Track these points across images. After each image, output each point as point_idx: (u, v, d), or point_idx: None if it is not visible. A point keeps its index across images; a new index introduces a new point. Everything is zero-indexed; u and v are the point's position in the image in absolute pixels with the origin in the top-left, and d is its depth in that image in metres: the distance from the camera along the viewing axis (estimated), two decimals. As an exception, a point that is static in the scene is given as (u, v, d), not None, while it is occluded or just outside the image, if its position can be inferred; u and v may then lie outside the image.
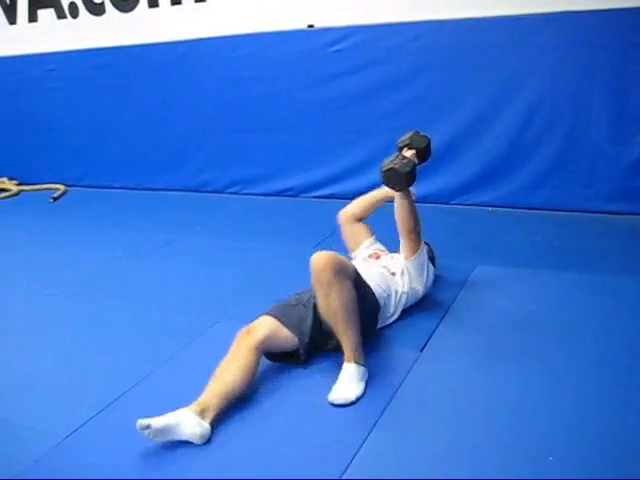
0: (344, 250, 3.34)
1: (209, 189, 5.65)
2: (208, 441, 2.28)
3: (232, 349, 2.57)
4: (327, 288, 2.52)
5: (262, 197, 5.32)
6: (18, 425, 2.54)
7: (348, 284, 2.56)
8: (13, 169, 6.64)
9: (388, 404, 2.43)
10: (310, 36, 4.80)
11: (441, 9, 4.42)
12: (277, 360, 2.73)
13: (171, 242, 4.49)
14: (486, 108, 4.49)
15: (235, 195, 5.50)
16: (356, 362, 2.54)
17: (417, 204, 4.67)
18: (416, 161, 3.00)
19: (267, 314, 2.73)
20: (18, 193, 6.37)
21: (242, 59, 5.15)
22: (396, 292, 3.01)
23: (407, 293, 3.05)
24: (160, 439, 2.24)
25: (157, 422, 2.21)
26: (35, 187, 6.39)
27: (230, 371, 2.47)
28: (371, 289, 2.83)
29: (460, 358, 2.72)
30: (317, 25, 4.79)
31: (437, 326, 2.97)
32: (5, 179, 6.57)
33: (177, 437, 2.25)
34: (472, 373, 2.61)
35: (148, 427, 2.18)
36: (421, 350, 2.79)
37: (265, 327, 2.65)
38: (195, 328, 3.15)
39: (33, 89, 6.21)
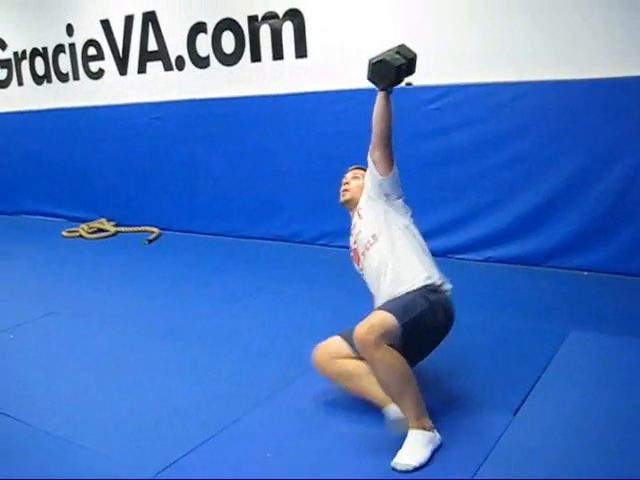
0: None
1: (299, 240, 5.73)
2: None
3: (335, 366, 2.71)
4: (371, 364, 2.50)
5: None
6: (109, 459, 2.58)
7: (391, 355, 2.45)
8: (112, 211, 6.96)
9: (475, 473, 2.34)
10: (408, 93, 4.85)
11: (541, 70, 4.42)
12: None
13: (261, 290, 4.55)
14: (584, 172, 4.41)
15: (325, 247, 5.56)
16: (421, 428, 2.46)
17: (512, 265, 4.65)
18: (404, 65, 2.73)
19: (338, 334, 2.83)
20: (115, 234, 6.63)
21: (338, 114, 5.26)
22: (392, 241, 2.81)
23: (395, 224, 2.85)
24: None
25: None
26: (131, 229, 6.64)
27: (372, 380, 2.57)
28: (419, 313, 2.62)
29: (552, 428, 2.62)
30: (415, 83, 4.84)
31: (530, 391, 2.88)
32: (104, 220, 6.87)
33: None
34: (569, 437, 2.51)
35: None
36: (514, 414, 2.70)
37: (333, 344, 2.80)
38: (285, 377, 3.15)
39: (138, 136, 6.54)
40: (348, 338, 2.68)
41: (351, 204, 3.07)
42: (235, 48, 5.75)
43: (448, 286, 2.78)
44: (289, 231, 5.78)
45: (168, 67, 6.21)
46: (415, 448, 2.42)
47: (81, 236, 6.60)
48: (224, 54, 5.83)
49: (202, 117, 6.08)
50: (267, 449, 2.52)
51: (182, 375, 3.32)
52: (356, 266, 3.03)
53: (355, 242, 2.97)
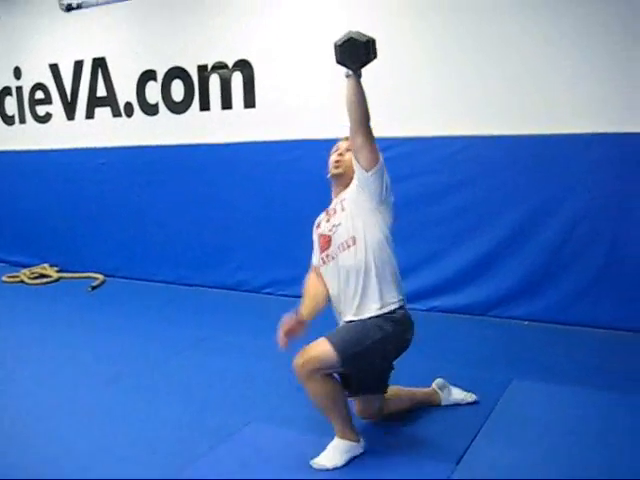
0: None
1: (246, 288, 5.72)
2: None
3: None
4: (304, 386, 2.70)
5: (296, 299, 5.31)
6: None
7: (319, 383, 2.67)
8: (55, 256, 6.85)
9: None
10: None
11: (486, 125, 4.58)
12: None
13: (206, 339, 4.51)
14: (526, 222, 4.55)
15: (271, 295, 5.56)
16: (343, 438, 2.75)
17: (456, 314, 4.73)
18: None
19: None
20: (58, 280, 6.51)
21: (285, 163, 5.34)
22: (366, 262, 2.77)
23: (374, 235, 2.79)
24: None
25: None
26: (75, 275, 6.53)
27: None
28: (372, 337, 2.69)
29: (499, 470, 2.65)
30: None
31: (474, 439, 2.91)
32: (46, 265, 6.74)
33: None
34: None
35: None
36: (457, 463, 2.72)
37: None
38: (227, 427, 3.11)
39: (84, 180, 6.49)
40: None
41: (341, 179, 2.89)
42: (184, 96, 5.80)
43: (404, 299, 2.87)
44: (235, 279, 5.77)
45: (117, 113, 6.21)
46: (334, 454, 2.73)
47: (22, 282, 6.45)
48: (173, 102, 5.87)
49: (150, 163, 6.08)
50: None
51: (125, 424, 3.24)
52: (318, 252, 2.91)
53: (330, 230, 2.83)
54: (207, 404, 3.42)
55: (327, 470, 2.67)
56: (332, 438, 2.77)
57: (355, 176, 2.79)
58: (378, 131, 4.93)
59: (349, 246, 2.77)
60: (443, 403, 3.24)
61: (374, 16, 4.81)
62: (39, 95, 6.70)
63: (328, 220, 2.89)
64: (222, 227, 5.79)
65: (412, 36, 4.76)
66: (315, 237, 2.97)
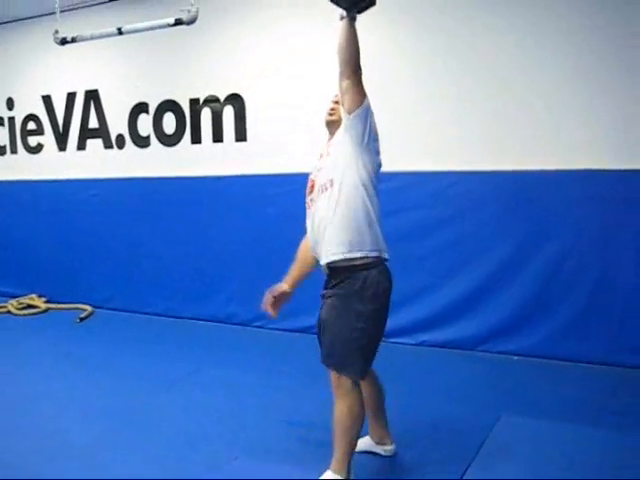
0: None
1: (236, 321, 5.70)
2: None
3: None
4: (335, 400, 2.70)
5: (287, 333, 5.33)
6: None
7: (350, 403, 2.67)
8: (43, 286, 6.80)
9: None
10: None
11: (475, 161, 4.63)
12: None
13: (194, 373, 4.48)
14: (514, 257, 4.57)
15: (261, 329, 5.53)
16: (334, 471, 2.69)
17: (445, 349, 4.72)
18: None
19: None
20: (46, 310, 6.45)
21: (277, 197, 5.35)
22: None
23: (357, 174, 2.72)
24: None
25: None
26: (63, 306, 6.48)
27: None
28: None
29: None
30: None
31: (462, 476, 2.89)
32: (34, 296, 6.69)
33: None
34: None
35: None
36: (445, 501, 2.70)
37: None
38: (214, 462, 3.08)
39: (75, 211, 6.49)
40: None
41: (335, 127, 2.88)
42: (176, 129, 5.83)
43: (386, 255, 2.81)
44: (225, 312, 5.75)
45: (108, 145, 6.24)
46: None
47: (9, 312, 6.39)
48: (165, 135, 5.90)
49: (141, 196, 6.09)
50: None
51: (110, 460, 3.19)
52: (307, 196, 2.90)
53: (315, 175, 2.84)
54: (194, 439, 3.39)
55: None
56: (318, 473, 2.73)
57: (342, 120, 2.77)
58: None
59: (326, 188, 2.73)
60: (383, 453, 3.10)
61: (367, 51, 4.85)
62: (31, 126, 6.73)
63: (317, 166, 2.89)
64: (213, 260, 5.78)
65: (405, 72, 4.83)
66: (307, 185, 2.94)
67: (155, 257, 6.09)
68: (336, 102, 2.89)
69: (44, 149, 6.68)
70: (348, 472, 2.71)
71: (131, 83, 6.07)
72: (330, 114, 2.91)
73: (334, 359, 2.71)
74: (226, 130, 5.58)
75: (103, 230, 6.36)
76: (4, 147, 6.97)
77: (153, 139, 5.98)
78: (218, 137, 5.63)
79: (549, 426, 3.42)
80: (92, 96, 6.27)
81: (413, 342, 4.89)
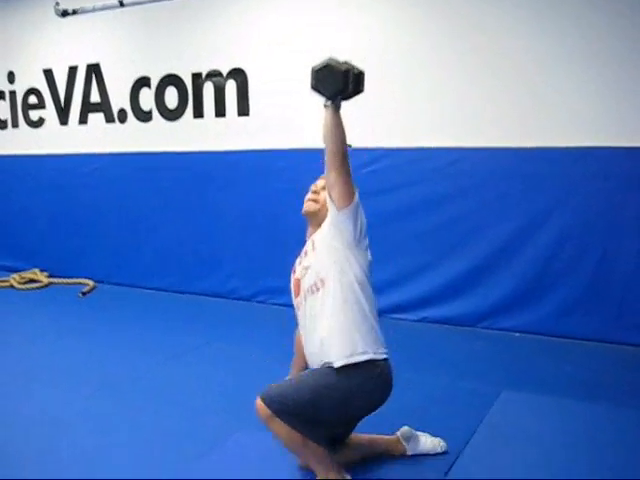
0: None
1: (237, 296, 5.72)
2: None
3: None
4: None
5: (288, 308, 5.30)
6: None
7: (280, 429, 2.45)
8: (46, 261, 6.81)
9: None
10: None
11: (476, 137, 4.61)
12: None
13: (196, 347, 4.50)
14: (516, 235, 4.57)
15: (263, 304, 5.56)
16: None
17: (446, 326, 4.72)
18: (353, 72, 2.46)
19: None
20: (48, 285, 6.47)
21: (280, 172, 5.34)
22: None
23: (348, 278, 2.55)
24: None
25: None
26: (65, 280, 6.50)
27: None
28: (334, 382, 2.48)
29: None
30: (355, 145, 4.95)
31: (462, 449, 2.92)
32: (37, 270, 6.70)
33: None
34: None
35: None
36: (445, 473, 2.73)
37: None
38: (215, 436, 3.11)
39: (76, 186, 6.48)
40: None
41: (315, 218, 2.70)
42: (178, 104, 5.80)
43: (385, 356, 2.58)
44: (227, 287, 5.76)
45: (110, 119, 6.21)
46: None
47: (12, 286, 6.42)
48: (167, 109, 5.87)
49: (143, 170, 6.08)
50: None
51: (113, 432, 3.22)
52: (294, 297, 2.71)
53: (301, 274, 2.63)
54: (196, 412, 3.41)
55: None
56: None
57: (328, 214, 2.58)
58: (370, 142, 5.00)
59: (318, 289, 2.55)
60: (409, 453, 2.85)
61: (369, 25, 4.84)
62: (32, 100, 6.69)
63: (300, 263, 2.70)
64: (215, 235, 5.79)
65: (408, 46, 4.78)
66: (291, 281, 2.76)
67: (157, 232, 6.09)
68: (315, 191, 2.73)
69: (45, 123, 6.65)
70: (338, 472, 2.56)
71: (133, 57, 6.02)
72: (308, 205, 2.72)
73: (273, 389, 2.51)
74: (229, 105, 5.55)
75: (105, 205, 6.35)
76: (5, 121, 6.94)
77: (155, 113, 5.95)
78: (221, 112, 5.60)
79: (550, 402, 3.45)
80: (94, 70, 6.23)
81: (414, 318, 4.91)
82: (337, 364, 2.47)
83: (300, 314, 2.66)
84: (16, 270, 6.78)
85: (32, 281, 6.54)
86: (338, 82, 2.41)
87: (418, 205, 4.84)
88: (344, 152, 2.47)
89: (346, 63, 2.45)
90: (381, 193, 4.89)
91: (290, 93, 5.23)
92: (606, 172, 4.28)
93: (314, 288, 2.55)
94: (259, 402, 2.46)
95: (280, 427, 2.44)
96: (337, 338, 2.50)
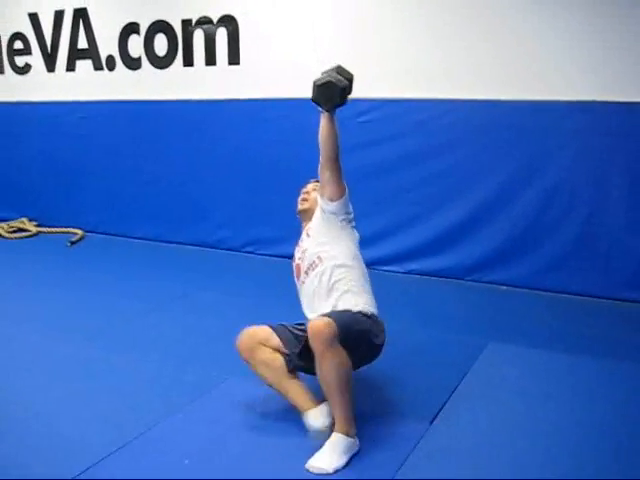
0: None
1: (225, 246, 5.71)
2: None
3: (267, 369, 2.70)
4: (320, 358, 2.46)
5: (277, 259, 5.36)
6: (24, 464, 2.50)
7: (342, 354, 2.46)
8: (33, 210, 6.76)
9: (397, 471, 2.40)
10: (338, 105, 4.91)
11: (468, 89, 4.56)
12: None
13: (186, 296, 4.52)
14: (506, 188, 4.56)
15: (251, 254, 5.56)
16: (346, 434, 2.48)
17: (434, 278, 4.76)
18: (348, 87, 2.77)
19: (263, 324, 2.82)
20: (36, 234, 6.45)
21: (270, 122, 5.28)
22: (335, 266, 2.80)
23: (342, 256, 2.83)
24: None
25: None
26: (53, 230, 6.47)
27: (293, 382, 2.69)
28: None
29: (469, 433, 2.70)
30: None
31: (448, 399, 2.95)
32: (25, 219, 6.66)
33: None
34: (481, 450, 2.58)
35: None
36: (431, 422, 2.77)
37: (262, 332, 2.78)
38: (205, 383, 3.13)
39: (64, 135, 6.39)
40: (278, 331, 2.75)
41: (307, 215, 3.02)
42: (168, 51, 5.69)
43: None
44: (215, 237, 5.75)
45: (98, 66, 6.09)
46: (333, 454, 2.44)
47: (0, 235, 6.39)
48: (156, 56, 5.76)
49: (131, 119, 6.00)
50: (184, 456, 2.50)
51: (100, 379, 3.25)
52: (296, 280, 3.00)
53: (300, 258, 2.93)
54: (185, 360, 3.44)
55: (328, 474, 2.38)
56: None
57: (319, 205, 2.90)
58: (359, 93, 4.92)
59: (316, 265, 2.83)
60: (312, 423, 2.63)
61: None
62: (18, 45, 6.54)
63: (298, 251, 3.00)
64: (203, 185, 5.75)
65: (397, -1, 4.70)
66: (293, 270, 3.04)
67: (145, 181, 6.04)
68: (306, 192, 3.07)
69: (32, 70, 6.50)
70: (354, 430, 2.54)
71: (121, 2, 5.88)
72: (301, 204, 3.06)
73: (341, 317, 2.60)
74: (219, 53, 5.45)
75: (93, 154, 6.28)
76: (-9, 67, 6.81)
77: (144, 61, 5.83)
78: (211, 60, 5.49)
79: (535, 354, 3.49)
80: (81, 15, 6.07)
81: (402, 270, 4.93)
82: (355, 309, 2.70)
83: (303, 294, 2.92)
84: (4, 219, 6.73)
85: (20, 230, 6.51)
86: (336, 98, 2.69)
87: (407, 157, 4.81)
88: (337, 155, 2.79)
89: (340, 74, 2.72)
90: (370, 145, 4.87)
91: (282, 42, 5.15)
92: (598, 127, 4.25)
93: (313, 266, 2.84)
94: (324, 322, 2.47)
95: (340, 350, 2.46)
96: (343, 299, 2.74)
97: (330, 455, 2.43)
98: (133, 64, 5.90)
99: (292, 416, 2.70)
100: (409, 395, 3.00)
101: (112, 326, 3.97)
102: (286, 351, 2.70)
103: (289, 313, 3.27)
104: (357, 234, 2.96)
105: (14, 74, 6.64)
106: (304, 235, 3.00)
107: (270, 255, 5.42)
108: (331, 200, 2.83)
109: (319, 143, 2.81)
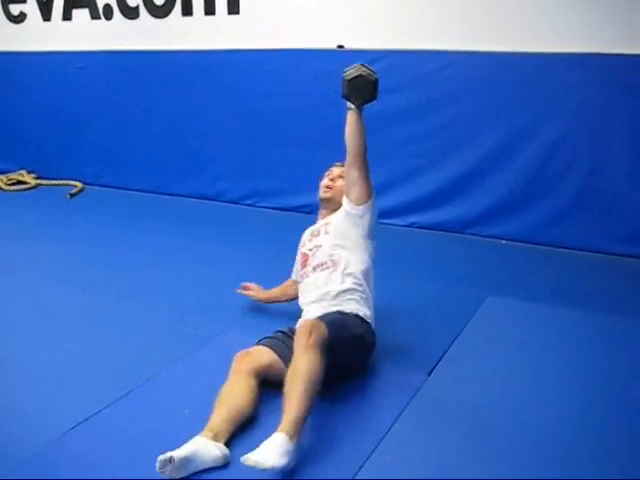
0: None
1: (225, 199, 5.69)
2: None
3: (233, 373, 2.53)
4: (299, 355, 2.35)
5: (277, 211, 5.35)
6: (21, 415, 2.55)
7: (321, 363, 2.34)
8: (32, 162, 6.72)
9: (392, 425, 2.42)
10: (339, 56, 4.83)
11: (471, 41, 4.48)
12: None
13: (186, 248, 4.52)
14: (508, 142, 4.52)
15: (251, 207, 5.54)
16: (289, 436, 2.13)
17: (434, 231, 4.74)
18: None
19: (261, 344, 2.68)
20: (35, 187, 6.42)
21: (270, 73, 5.21)
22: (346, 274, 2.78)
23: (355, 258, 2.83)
24: (182, 473, 2.08)
25: (179, 454, 2.09)
26: (53, 182, 6.44)
27: (236, 395, 2.43)
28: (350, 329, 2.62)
29: (467, 385, 2.72)
30: (347, 46, 4.83)
31: (446, 351, 2.97)
32: (24, 172, 6.62)
33: (199, 467, 2.13)
34: (478, 401, 2.61)
35: (171, 460, 2.04)
36: (429, 374, 2.79)
37: (265, 355, 2.61)
38: (205, 335, 3.15)
39: (61, 85, 6.30)
40: (273, 346, 2.65)
41: (329, 204, 2.96)
42: (166, 0, 5.58)
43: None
44: (215, 190, 5.72)
45: (95, 15, 5.98)
46: (271, 451, 2.08)
47: (-1, 187, 6.37)
48: (154, 5, 5.65)
49: (129, 69, 5.91)
50: (185, 405, 2.52)
51: (103, 329, 3.28)
52: (299, 269, 3.00)
53: (311, 250, 2.90)
54: (184, 312, 3.46)
55: (264, 470, 2.05)
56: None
57: (344, 206, 2.84)
58: (363, 43, 4.85)
59: (327, 267, 2.79)
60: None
61: None
62: (12, -7, 6.42)
63: (311, 240, 2.95)
64: (203, 136, 5.69)
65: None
66: (298, 254, 3.06)
67: (144, 133, 5.98)
68: (331, 179, 2.99)
69: (27, 18, 6.38)
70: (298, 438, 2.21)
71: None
72: (325, 191, 2.97)
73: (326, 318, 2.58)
74: (218, 2, 5.32)
75: (91, 105, 6.20)
76: (-15, 15, 6.69)
77: (142, 10, 5.71)
78: (210, 10, 5.38)
79: (534, 307, 3.49)
80: (76, -40, 5.96)
81: (402, 223, 4.91)
82: (354, 312, 2.69)
83: (303, 283, 2.91)
84: (3, 171, 6.68)
85: (19, 182, 6.48)
86: (369, 92, 2.67)
87: (407, 110, 4.74)
88: (365, 153, 2.76)
89: (369, 70, 2.67)
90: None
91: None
92: (601, 80, 4.19)
93: (324, 266, 2.80)
94: (316, 325, 2.43)
95: (320, 356, 2.34)
96: (347, 306, 2.72)
97: (271, 453, 2.08)
98: (131, 13, 5.79)
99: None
100: (407, 347, 3.01)
101: (113, 278, 3.97)
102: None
103: (289, 266, 3.28)
104: (374, 251, 2.91)
105: (9, 23, 6.52)
106: (322, 228, 2.93)
107: (270, 208, 5.40)
108: (357, 203, 2.78)
109: (346, 140, 2.76)
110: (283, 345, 2.65)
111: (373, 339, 2.77)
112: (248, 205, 5.56)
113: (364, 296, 2.80)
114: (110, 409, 2.54)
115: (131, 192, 6.10)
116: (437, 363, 2.87)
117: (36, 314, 3.48)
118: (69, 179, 6.40)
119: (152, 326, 3.30)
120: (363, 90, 2.66)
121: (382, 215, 4.80)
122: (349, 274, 2.78)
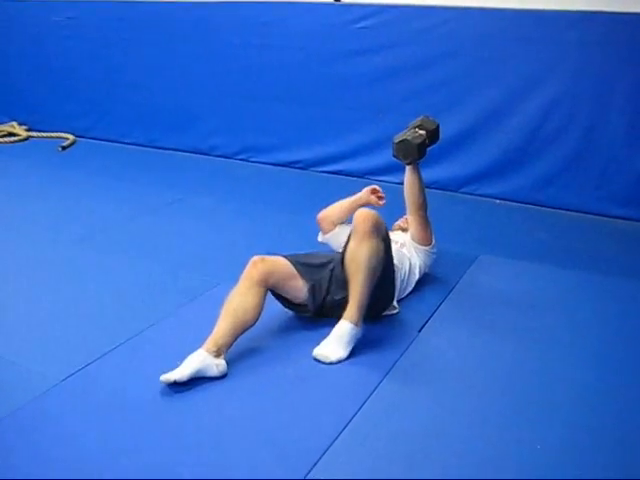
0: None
1: (218, 153, 5.64)
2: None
3: (245, 278, 2.61)
4: (361, 238, 2.55)
5: (271, 166, 5.32)
6: (16, 364, 2.56)
7: (381, 245, 2.59)
8: (23, 114, 6.62)
9: (385, 376, 2.47)
10: (336, 10, 4.77)
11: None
12: (282, 301, 2.78)
13: (178, 201, 4.50)
14: (505, 100, 4.47)
15: (244, 162, 5.49)
16: (355, 323, 2.53)
17: (427, 189, 4.70)
18: (426, 140, 3.06)
19: (285, 257, 2.75)
20: (27, 139, 6.34)
21: (266, 26, 5.12)
22: (410, 264, 3.06)
23: (418, 264, 3.11)
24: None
25: (181, 376, 2.32)
26: (44, 134, 6.37)
27: (245, 308, 2.54)
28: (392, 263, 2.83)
29: (459, 337, 2.77)
30: (344, 0, 4.76)
31: (438, 307, 3.01)
32: (15, 124, 6.53)
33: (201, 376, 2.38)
34: (470, 352, 2.67)
35: (175, 383, 2.30)
36: (420, 329, 2.82)
37: (281, 267, 2.69)
38: (196, 288, 3.16)
39: (52, 36, 6.20)
40: (293, 260, 2.74)
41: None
42: (159, -52, 5.47)
43: None
44: (208, 144, 5.67)
45: (87, -37, 5.86)
46: (340, 342, 2.51)
47: (-10, 139, 6.29)
48: (147, -47, 5.54)
49: (123, 20, 5.81)
50: (176, 358, 2.53)
51: (95, 282, 3.29)
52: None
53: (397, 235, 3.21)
54: (177, 265, 3.47)
55: (331, 363, 2.50)
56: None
57: (415, 242, 3.16)
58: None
59: (402, 247, 3.11)
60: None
61: None
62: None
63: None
64: (194, 90, 5.62)
65: None
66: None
67: (136, 86, 5.90)
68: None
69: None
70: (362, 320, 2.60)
71: None
72: (401, 225, 3.40)
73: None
74: (213, -49, 5.24)
75: (82, 57, 6.10)
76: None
77: (135, -42, 5.61)
78: (204, -41, 5.29)
79: (524, 266, 3.52)
80: None
81: (396, 181, 4.83)
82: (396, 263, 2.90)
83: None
84: (-6, 123, 6.60)
85: (10, 134, 6.39)
86: (414, 154, 3.01)
87: (406, 66, 4.68)
88: (423, 205, 3.12)
89: (422, 127, 3.08)
90: (366, 52, 4.75)
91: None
92: (602, 39, 4.12)
93: (400, 246, 3.12)
94: (374, 212, 2.66)
95: (379, 241, 2.58)
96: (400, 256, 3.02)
97: (336, 345, 2.51)
98: (122, -38, 5.67)
99: (288, 315, 2.81)
100: (399, 304, 3.03)
101: (105, 230, 3.97)
102: (305, 293, 2.71)
103: (285, 221, 3.28)
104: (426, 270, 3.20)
105: (-3, -31, 6.38)
106: (399, 239, 3.17)
107: (264, 163, 5.37)
108: (423, 244, 3.14)
109: (405, 193, 3.13)
110: (313, 269, 2.75)
111: (391, 294, 2.87)
112: (241, 160, 5.51)
113: (403, 273, 2.98)
114: (102, 361, 2.55)
115: (123, 145, 6.05)
116: (427, 320, 2.89)
117: (24, 267, 3.48)
118: (61, 131, 6.32)
119: (143, 279, 3.31)
120: (408, 151, 3.00)
121: (377, 172, 4.86)
122: (410, 257, 3.08)
